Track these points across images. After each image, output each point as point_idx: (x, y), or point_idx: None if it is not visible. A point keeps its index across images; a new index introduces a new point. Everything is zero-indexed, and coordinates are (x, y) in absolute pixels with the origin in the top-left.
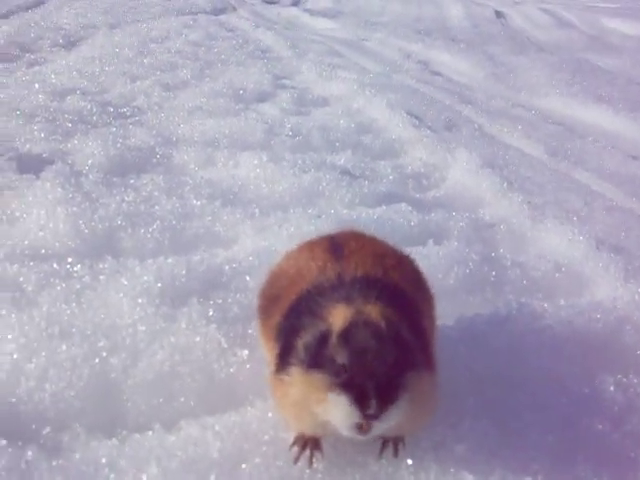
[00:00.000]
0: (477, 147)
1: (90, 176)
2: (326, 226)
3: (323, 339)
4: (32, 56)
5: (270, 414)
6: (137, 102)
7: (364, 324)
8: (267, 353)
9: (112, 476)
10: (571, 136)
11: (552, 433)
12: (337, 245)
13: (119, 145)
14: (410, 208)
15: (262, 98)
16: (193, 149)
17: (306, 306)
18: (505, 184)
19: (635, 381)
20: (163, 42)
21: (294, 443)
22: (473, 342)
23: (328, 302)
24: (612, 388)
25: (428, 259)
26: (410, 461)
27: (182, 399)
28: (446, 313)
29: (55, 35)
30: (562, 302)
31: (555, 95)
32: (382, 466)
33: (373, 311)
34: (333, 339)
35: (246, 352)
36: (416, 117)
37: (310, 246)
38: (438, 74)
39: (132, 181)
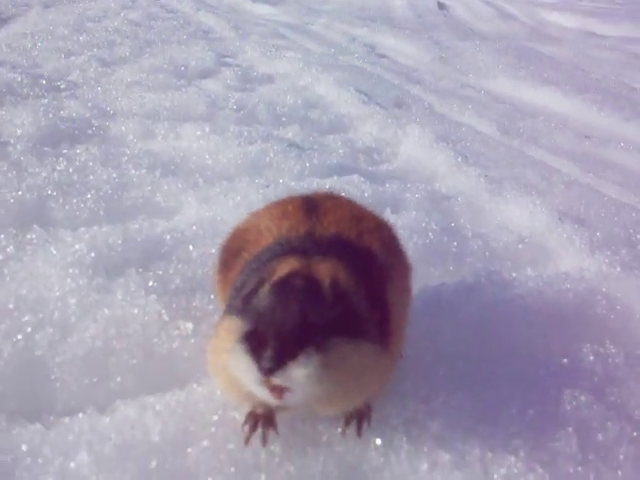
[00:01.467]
0: (429, 123)
1: (18, 146)
2: (274, 196)
3: (257, 287)
4: None
5: (218, 392)
6: (72, 77)
7: (302, 277)
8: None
9: (34, 465)
10: (522, 116)
11: (533, 407)
12: (312, 204)
13: (51, 116)
14: (363, 179)
15: (205, 75)
16: (131, 121)
17: (264, 260)
18: (460, 158)
19: (613, 351)
20: (100, 21)
21: (245, 422)
22: (438, 313)
23: (284, 255)
24: (591, 358)
25: None
26: (379, 441)
27: (118, 378)
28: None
29: None
30: (529, 272)
31: (503, 77)
32: (348, 447)
33: (322, 268)
34: (265, 287)
35: (190, 325)
36: (365, 94)
37: (282, 203)
38: (384, 56)
39: (65, 151)
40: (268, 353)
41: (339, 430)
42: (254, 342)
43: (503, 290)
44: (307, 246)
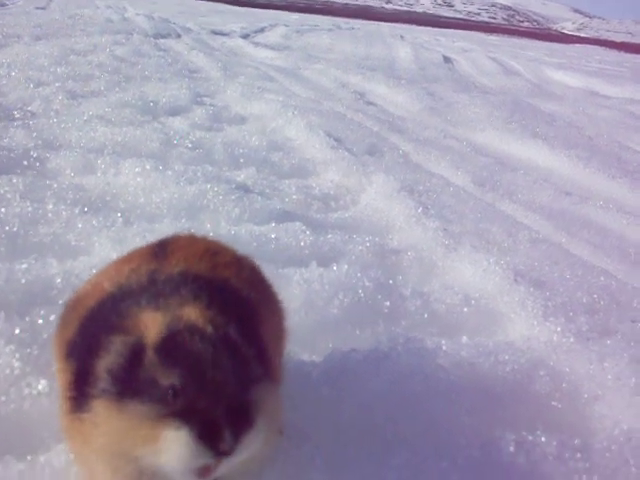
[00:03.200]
0: (397, 172)
1: None
2: None
3: (134, 356)
4: None
5: (68, 464)
6: (32, 106)
7: (186, 330)
8: (58, 380)
9: None
10: (502, 169)
11: None
12: (161, 245)
13: None
14: (305, 228)
15: (174, 112)
16: (73, 154)
17: (106, 314)
18: (420, 209)
19: (543, 439)
20: (86, 55)
21: None
22: (342, 383)
23: (134, 307)
24: (511, 449)
25: (309, 283)
26: None
27: None
28: (322, 350)
29: None
30: (464, 340)
31: (492, 130)
32: None
33: (193, 313)
34: (148, 354)
35: (44, 382)
36: (336, 139)
37: (135, 249)
38: (372, 104)
39: None
40: (225, 433)
41: None
42: (200, 423)
43: (423, 360)
44: (155, 291)
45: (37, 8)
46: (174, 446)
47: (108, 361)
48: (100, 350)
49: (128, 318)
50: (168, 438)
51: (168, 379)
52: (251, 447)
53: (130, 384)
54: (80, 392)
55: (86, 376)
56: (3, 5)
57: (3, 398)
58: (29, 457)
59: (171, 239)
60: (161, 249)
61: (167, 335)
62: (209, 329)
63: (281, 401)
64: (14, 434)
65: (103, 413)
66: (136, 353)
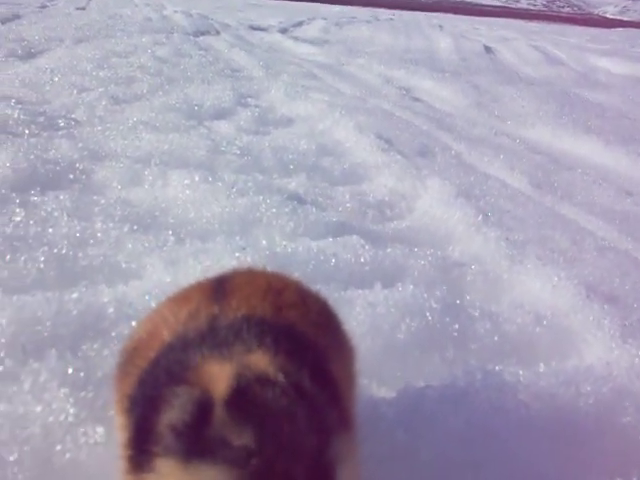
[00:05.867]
0: (452, 175)
1: None
2: (252, 260)
3: (201, 410)
4: None
5: None
6: (76, 114)
7: (256, 381)
8: (119, 436)
9: None
10: (558, 168)
11: None
12: (219, 282)
13: (32, 157)
14: (363, 242)
15: (219, 115)
16: (120, 165)
17: (168, 366)
18: (480, 217)
19: None
20: (127, 57)
21: None
22: (415, 426)
23: (197, 357)
24: None
25: (373, 307)
26: None
27: None
28: (390, 379)
29: (15, 46)
30: (542, 368)
31: (542, 125)
32: None
33: (261, 361)
34: (217, 409)
35: (101, 430)
36: (386, 141)
37: (188, 287)
38: (418, 100)
39: (35, 198)
40: None
41: None
42: None
43: (503, 396)
44: (217, 338)
45: (77, 9)
46: None
47: (172, 416)
48: (163, 404)
49: (191, 369)
50: None
51: (241, 438)
52: None
53: (198, 442)
54: (141, 450)
55: (148, 432)
56: (44, 7)
57: (59, 447)
58: None
59: (229, 276)
60: (219, 288)
61: (237, 388)
62: (281, 378)
63: (359, 452)
64: None
65: (168, 474)
66: (203, 407)
